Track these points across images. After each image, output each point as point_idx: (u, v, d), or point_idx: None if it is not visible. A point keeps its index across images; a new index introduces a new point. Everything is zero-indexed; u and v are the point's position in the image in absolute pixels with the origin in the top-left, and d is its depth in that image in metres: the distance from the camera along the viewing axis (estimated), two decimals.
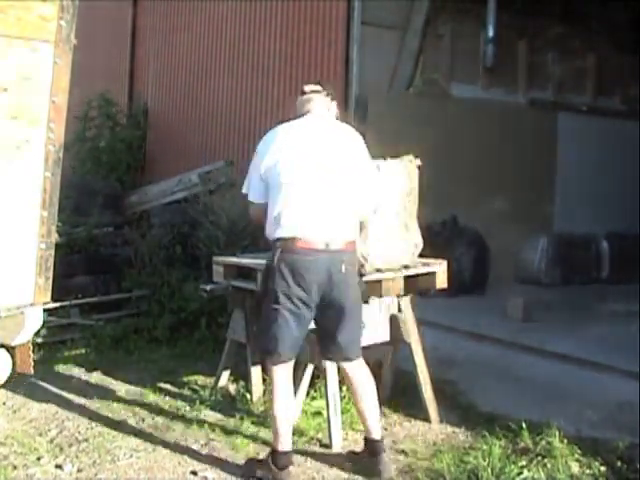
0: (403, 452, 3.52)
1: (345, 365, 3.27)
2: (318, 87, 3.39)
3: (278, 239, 3.09)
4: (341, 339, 3.18)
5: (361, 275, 3.39)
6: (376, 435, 3.30)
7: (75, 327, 5.40)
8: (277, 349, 3.12)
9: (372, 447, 3.30)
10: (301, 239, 3.05)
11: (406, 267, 3.84)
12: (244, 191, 3.34)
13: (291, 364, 3.24)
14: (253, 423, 3.79)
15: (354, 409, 3.54)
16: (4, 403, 4.06)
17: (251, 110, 8.34)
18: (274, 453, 3.19)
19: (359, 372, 3.28)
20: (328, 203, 3.10)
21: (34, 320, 2.99)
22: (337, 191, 3.12)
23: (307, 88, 3.37)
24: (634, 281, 7.59)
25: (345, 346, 3.20)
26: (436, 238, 7.36)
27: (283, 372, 3.18)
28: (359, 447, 3.44)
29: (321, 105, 3.32)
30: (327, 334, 3.21)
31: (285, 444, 3.19)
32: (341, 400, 3.72)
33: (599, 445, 3.50)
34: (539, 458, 3.34)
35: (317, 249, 3.05)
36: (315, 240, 3.06)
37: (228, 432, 3.71)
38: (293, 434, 3.58)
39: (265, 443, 3.54)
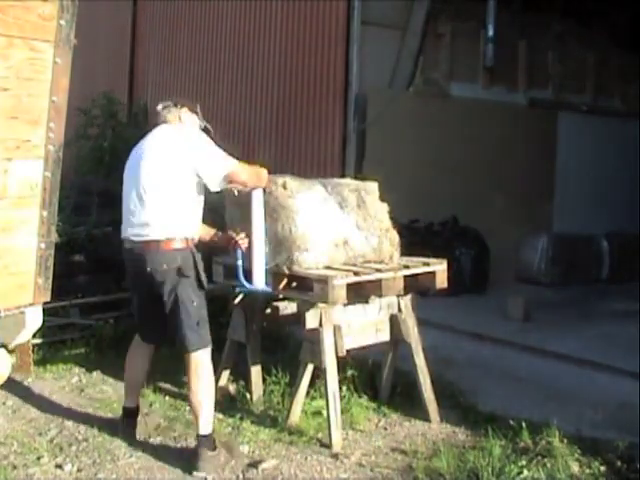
0: (403, 452, 3.52)
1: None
2: (169, 102, 3.59)
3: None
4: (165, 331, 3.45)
5: (180, 274, 3.36)
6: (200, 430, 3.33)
7: (75, 327, 5.38)
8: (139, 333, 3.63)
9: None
10: (124, 240, 3.43)
11: (406, 267, 3.84)
12: None
13: (149, 346, 3.66)
14: (253, 423, 3.79)
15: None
16: (4, 403, 4.05)
17: (251, 109, 8.35)
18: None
19: (190, 366, 3.35)
20: (138, 205, 3.33)
21: (34, 320, 2.98)
22: (149, 193, 3.31)
23: (159, 107, 3.59)
24: (634, 280, 7.61)
25: (175, 338, 3.40)
26: (436, 238, 7.39)
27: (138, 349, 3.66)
28: None
29: (170, 116, 3.53)
30: (150, 324, 3.54)
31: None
32: (341, 400, 3.73)
33: (599, 445, 3.50)
34: (539, 458, 3.34)
35: (126, 248, 3.42)
36: (125, 241, 3.41)
37: (228, 432, 3.71)
38: (293, 434, 3.60)
39: (265, 443, 3.55)
